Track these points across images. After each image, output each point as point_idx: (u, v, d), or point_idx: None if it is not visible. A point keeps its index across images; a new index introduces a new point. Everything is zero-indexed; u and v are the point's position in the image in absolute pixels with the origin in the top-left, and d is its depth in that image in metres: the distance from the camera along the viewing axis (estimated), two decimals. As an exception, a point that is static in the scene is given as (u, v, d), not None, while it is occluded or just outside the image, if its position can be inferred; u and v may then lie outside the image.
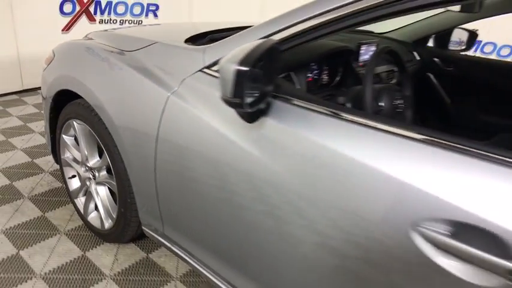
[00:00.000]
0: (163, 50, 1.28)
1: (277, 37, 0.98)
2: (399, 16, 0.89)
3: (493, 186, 0.67)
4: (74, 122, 1.62)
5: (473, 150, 0.70)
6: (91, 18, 3.60)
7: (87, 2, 3.50)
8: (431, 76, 2.07)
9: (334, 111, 0.88)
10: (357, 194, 0.81)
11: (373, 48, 1.63)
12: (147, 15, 3.92)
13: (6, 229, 1.73)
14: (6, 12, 3.01)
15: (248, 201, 1.01)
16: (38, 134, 2.69)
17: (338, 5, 0.90)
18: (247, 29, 1.07)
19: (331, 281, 0.91)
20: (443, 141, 0.73)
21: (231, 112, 0.98)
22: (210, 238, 1.21)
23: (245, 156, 0.98)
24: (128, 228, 1.53)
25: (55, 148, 1.85)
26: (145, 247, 1.72)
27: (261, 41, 0.84)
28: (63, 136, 1.74)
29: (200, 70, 1.12)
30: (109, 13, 3.68)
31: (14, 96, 3.31)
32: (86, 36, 1.78)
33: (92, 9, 3.57)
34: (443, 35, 2.09)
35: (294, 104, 0.95)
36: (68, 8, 3.39)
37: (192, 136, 1.11)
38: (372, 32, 2.18)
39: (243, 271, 1.14)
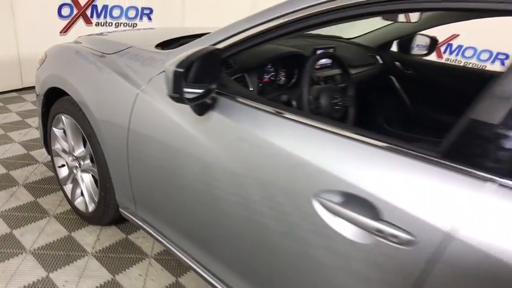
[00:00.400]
0: (136, 53, 1.48)
1: (225, 44, 1.18)
2: (325, 26, 1.08)
3: (366, 166, 0.86)
4: (62, 116, 1.82)
5: (357, 137, 0.89)
6: (88, 21, 3.81)
7: (84, 6, 3.71)
8: (393, 79, 2.26)
9: (270, 107, 1.06)
10: (279, 173, 0.99)
11: (330, 52, 1.82)
12: (141, 18, 4.13)
13: (2, 211, 1.93)
14: (7, 15, 3.23)
15: (197, 183, 1.20)
16: (35, 128, 2.89)
17: (273, 16, 1.09)
18: (202, 37, 1.26)
19: (262, 252, 1.09)
20: (338, 131, 0.92)
21: (186, 106, 1.17)
22: (173, 217, 1.40)
23: (195, 143, 1.17)
24: (108, 210, 1.73)
25: (47, 140, 2.05)
26: (125, 229, 1.91)
27: (202, 47, 1.03)
28: (54, 129, 1.94)
29: (163, 71, 1.32)
30: (105, 16, 3.88)
31: (14, 94, 3.53)
32: (75, 40, 1.98)
33: (88, 12, 3.77)
34: (405, 41, 2.27)
35: (238, 101, 1.14)
36: (65, 11, 3.60)
37: (155, 127, 1.30)
38: (340, 37, 2.36)
39: (203, 247, 1.32)
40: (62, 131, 1.91)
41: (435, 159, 0.78)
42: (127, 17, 4.05)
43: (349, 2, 0.94)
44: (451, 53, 4.58)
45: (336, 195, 0.88)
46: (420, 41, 2.28)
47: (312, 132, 0.96)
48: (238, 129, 1.09)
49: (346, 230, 0.87)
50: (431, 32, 2.23)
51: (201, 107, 1.14)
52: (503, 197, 0.70)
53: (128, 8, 4.02)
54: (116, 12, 3.95)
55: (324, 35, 2.34)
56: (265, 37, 1.12)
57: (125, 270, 1.67)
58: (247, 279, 1.19)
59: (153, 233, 1.53)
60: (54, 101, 1.85)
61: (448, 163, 0.77)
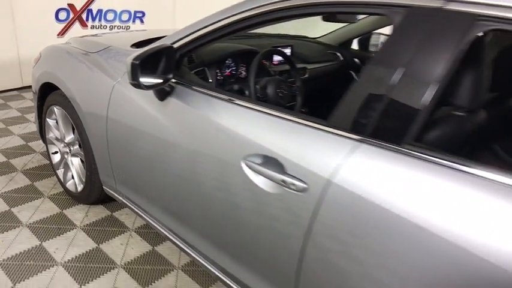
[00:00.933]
0: (113, 51, 1.74)
1: (182, 42, 1.43)
2: (261, 27, 1.33)
3: (279, 135, 1.10)
4: (55, 108, 2.07)
5: (279, 114, 1.13)
6: (83, 24, 4.08)
7: (79, 10, 3.98)
8: (353, 74, 2.50)
9: (221, 95, 1.30)
10: (221, 147, 1.24)
11: (288, 50, 2.07)
12: (134, 21, 4.40)
13: (1, 193, 2.19)
14: (8, 19, 3.50)
15: (161, 160, 1.45)
16: (33, 123, 3.16)
17: (220, 18, 1.33)
18: (165, 37, 1.51)
19: (210, 212, 1.34)
20: (270, 111, 1.16)
21: (151, 93, 1.42)
22: (145, 190, 1.64)
23: (157, 124, 1.42)
24: (93, 188, 1.98)
25: (42, 130, 2.31)
26: (110, 208, 2.17)
27: (158, 44, 1.28)
28: (47, 119, 2.19)
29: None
30: (99, 19, 4.15)
31: (15, 92, 3.80)
32: (67, 41, 2.24)
33: (84, 16, 4.05)
34: (364, 39, 2.51)
35: (194, 89, 1.39)
36: (62, 15, 3.87)
37: (127, 112, 1.55)
38: (306, 37, 2.61)
39: (171, 216, 1.56)
40: (54, 121, 2.17)
41: (324, 127, 1.03)
42: (120, 20, 4.32)
43: (273, 7, 1.19)
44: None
45: (257, 158, 1.12)
46: (376, 40, 2.53)
47: (251, 113, 1.20)
48: (192, 112, 1.34)
49: (263, 183, 1.11)
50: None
51: (161, 94, 1.39)
52: (371, 154, 0.94)
53: (121, 12, 4.29)
54: (110, 16, 4.22)
55: (292, 35, 2.60)
56: (214, 35, 1.37)
57: (108, 241, 1.92)
58: (205, 238, 1.43)
59: (130, 205, 1.78)
60: (47, 95, 2.12)
61: (333, 130, 1.01)
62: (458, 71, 0.94)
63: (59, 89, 1.97)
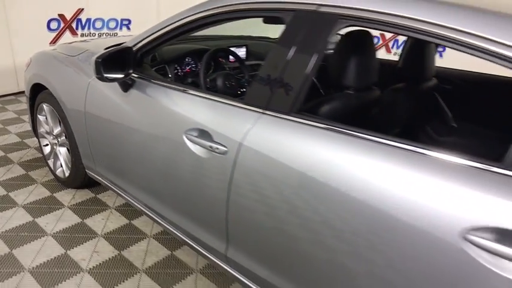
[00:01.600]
0: (90, 54, 2.06)
1: (141, 43, 1.75)
2: (203, 29, 1.65)
3: (213, 114, 1.42)
4: (44, 105, 2.40)
5: (215, 98, 1.45)
6: (73, 33, 4.42)
7: (69, 20, 4.32)
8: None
9: (176, 86, 1.62)
10: (170, 124, 1.55)
11: (243, 49, 2.39)
12: (121, 28, 4.74)
13: (0, 181, 2.52)
14: (3, 30, 3.84)
15: (127, 143, 1.76)
16: (28, 123, 3.48)
17: (170, 22, 1.65)
18: (129, 40, 1.84)
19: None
20: (211, 97, 1.48)
21: (117, 86, 1.75)
22: (119, 169, 1.96)
23: (122, 112, 1.74)
24: (78, 172, 2.30)
25: (34, 126, 2.63)
26: (94, 191, 2.49)
27: (120, 46, 1.61)
28: (38, 116, 2.52)
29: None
30: (88, 28, 4.49)
31: (12, 97, 4.14)
32: (54, 48, 2.57)
33: (74, 25, 4.39)
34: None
35: (152, 82, 1.71)
36: (54, 25, 4.21)
37: (99, 103, 1.88)
38: (269, 38, 2.94)
39: (140, 189, 1.87)
40: (44, 117, 2.49)
41: (241, 104, 1.35)
42: (108, 28, 4.66)
43: (215, 11, 1.50)
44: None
45: (194, 131, 1.44)
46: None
47: (197, 99, 1.51)
48: (149, 100, 1.67)
49: (199, 150, 1.43)
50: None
51: (125, 86, 1.71)
52: (269, 122, 1.26)
53: (109, 20, 4.62)
54: (98, 24, 4.56)
55: (255, 36, 2.92)
56: (167, 36, 1.69)
57: (91, 216, 2.24)
58: (166, 203, 1.75)
59: (108, 184, 2.10)
60: (38, 94, 2.44)
61: (245, 106, 1.33)
62: (332, 57, 1.26)
63: (47, 88, 2.30)
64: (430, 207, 0.93)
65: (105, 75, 1.57)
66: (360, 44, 1.42)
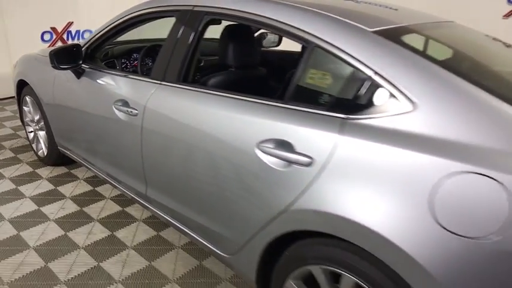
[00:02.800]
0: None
1: (90, 41, 2.28)
2: (136, 27, 2.17)
3: (141, 94, 1.94)
4: (27, 97, 2.95)
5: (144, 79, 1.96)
6: (64, 43, 5.02)
7: (61, 32, 4.93)
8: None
9: (118, 72, 2.14)
10: (105, 100, 2.07)
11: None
12: (107, 38, 5.32)
13: (-7, 161, 3.08)
14: (2, 40, 4.47)
15: (82, 119, 2.28)
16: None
17: (111, 23, 2.19)
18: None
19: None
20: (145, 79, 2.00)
21: (73, 75, 2.28)
22: (78, 142, 2.48)
23: (76, 95, 2.27)
24: (53, 150, 2.83)
25: (22, 116, 3.19)
26: (69, 167, 3.02)
27: (70, 43, 2.14)
28: (24, 107, 3.07)
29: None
30: (78, 38, 5.09)
31: (10, 99, 4.74)
32: (37, 52, 3.13)
33: (65, 36, 4.99)
34: (259, 38, 3.34)
35: (99, 71, 2.23)
36: (47, 36, 4.82)
37: (62, 89, 2.42)
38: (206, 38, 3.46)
39: (93, 153, 2.38)
40: (28, 108, 3.04)
41: (149, 79, 1.86)
42: (96, 38, 5.25)
43: (143, 12, 2.03)
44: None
45: (119, 102, 1.95)
46: (271, 38, 3.36)
47: (124, 80, 2.02)
48: (94, 84, 2.19)
49: (121, 115, 1.93)
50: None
51: (77, 74, 2.25)
52: (163, 90, 1.76)
53: (96, 31, 5.22)
54: (87, 35, 5.16)
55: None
56: (108, 34, 2.22)
57: (63, 185, 2.76)
58: (113, 166, 2.25)
59: (71, 154, 2.62)
60: (22, 89, 3.00)
61: (152, 80, 1.83)
62: (219, 44, 1.77)
63: (29, 83, 2.85)
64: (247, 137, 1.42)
65: (58, 64, 2.11)
66: (235, 34, 1.92)
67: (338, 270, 1.21)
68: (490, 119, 1.05)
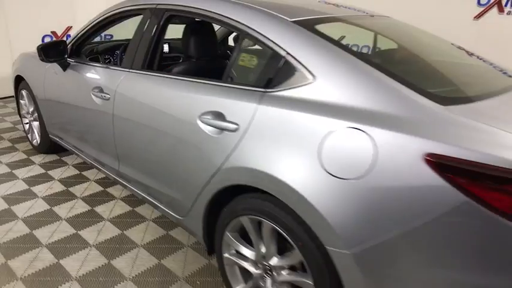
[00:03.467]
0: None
1: (75, 38, 2.58)
2: (113, 26, 2.46)
3: (112, 81, 2.22)
4: (23, 91, 3.26)
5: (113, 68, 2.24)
6: (64, 46, 5.36)
7: (61, 35, 5.27)
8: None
9: (99, 65, 2.43)
10: (86, 87, 2.35)
11: (166, 45, 3.21)
12: (105, 41, 5.66)
13: (-8, 150, 3.38)
14: (6, 44, 4.80)
15: (68, 107, 2.57)
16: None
17: (91, 21, 2.48)
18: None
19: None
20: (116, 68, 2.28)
21: (60, 68, 2.57)
22: (63, 127, 2.76)
23: (63, 85, 2.56)
24: (45, 138, 3.12)
25: (19, 109, 3.49)
26: (60, 155, 3.30)
27: (57, 39, 2.43)
28: (20, 101, 3.38)
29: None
30: (77, 42, 5.43)
31: (13, 98, 5.06)
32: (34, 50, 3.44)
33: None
34: (236, 37, 3.60)
35: (83, 64, 2.52)
36: (47, 40, 5.16)
37: (51, 82, 2.71)
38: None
39: (75, 137, 2.66)
40: (24, 101, 3.34)
41: (119, 68, 2.13)
42: (94, 42, 5.59)
43: (118, 11, 2.32)
44: None
45: (96, 88, 2.22)
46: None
47: (101, 70, 2.30)
48: (76, 74, 2.47)
49: (97, 100, 2.21)
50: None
51: (64, 66, 2.53)
52: (129, 75, 2.03)
53: (94, 35, 5.56)
54: (85, 39, 5.50)
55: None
56: (88, 32, 2.52)
57: (54, 170, 3.04)
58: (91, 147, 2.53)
59: (59, 140, 2.90)
60: (19, 84, 3.31)
61: (122, 69, 2.11)
62: (182, 39, 2.04)
63: (24, 79, 3.16)
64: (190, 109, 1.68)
65: (45, 58, 2.40)
66: (195, 30, 2.19)
67: (259, 218, 1.46)
68: (370, 86, 1.29)
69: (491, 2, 4.23)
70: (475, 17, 4.40)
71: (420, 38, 2.04)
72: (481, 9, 4.34)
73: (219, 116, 1.55)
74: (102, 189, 2.77)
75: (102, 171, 2.49)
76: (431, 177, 1.05)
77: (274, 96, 1.44)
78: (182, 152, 1.73)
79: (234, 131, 1.49)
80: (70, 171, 3.02)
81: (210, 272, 1.99)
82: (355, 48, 1.64)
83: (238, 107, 1.50)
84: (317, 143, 1.26)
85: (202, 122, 1.60)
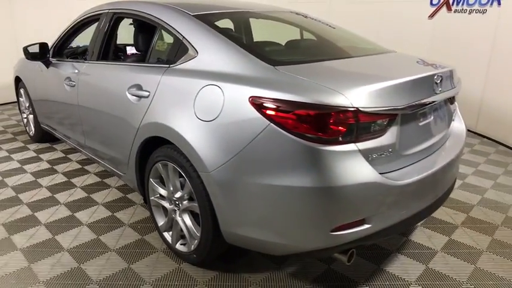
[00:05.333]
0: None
1: (57, 40, 3.16)
2: (86, 28, 3.04)
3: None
4: (21, 90, 3.88)
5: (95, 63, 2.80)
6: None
7: (63, 47, 5.96)
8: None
9: (75, 61, 2.99)
10: (62, 81, 2.91)
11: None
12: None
13: (-3, 140, 4.00)
14: (13, 49, 5.51)
15: (54, 100, 3.14)
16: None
17: (70, 23, 3.06)
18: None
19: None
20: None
21: (44, 66, 3.15)
22: (49, 115, 3.33)
23: (47, 81, 3.14)
24: (38, 128, 3.71)
25: (19, 106, 4.11)
26: (52, 144, 3.88)
27: (40, 41, 3.02)
28: (20, 98, 4.00)
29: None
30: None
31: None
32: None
33: (67, 50, 6.02)
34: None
35: (60, 61, 3.09)
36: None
37: (40, 79, 3.29)
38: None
39: (55, 121, 3.22)
40: (22, 98, 3.95)
41: (85, 61, 2.68)
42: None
43: (93, 14, 2.89)
44: None
45: (67, 79, 2.78)
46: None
47: (73, 63, 2.85)
48: (55, 70, 3.04)
49: (67, 87, 2.76)
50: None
51: (47, 64, 3.11)
52: (90, 65, 2.57)
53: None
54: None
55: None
56: (67, 34, 3.09)
57: (43, 154, 3.61)
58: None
59: (49, 129, 3.47)
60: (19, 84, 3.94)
61: (85, 60, 2.66)
62: (113, 33, 2.58)
63: (21, 79, 3.78)
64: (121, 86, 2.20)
65: (30, 57, 2.99)
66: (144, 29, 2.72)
67: (165, 162, 1.94)
68: (228, 56, 1.76)
69: (440, 1, 4.62)
70: (429, 16, 4.80)
71: (293, 22, 2.60)
72: (434, 8, 4.73)
73: (139, 87, 2.06)
74: (80, 166, 3.31)
75: (80, 152, 3.02)
76: (253, 113, 1.52)
77: (173, 69, 1.93)
78: (118, 119, 2.24)
79: (147, 97, 1.99)
80: (57, 155, 3.59)
81: (125, 202, 2.51)
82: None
83: (150, 79, 2.01)
84: (193, 98, 1.74)
85: (129, 93, 2.11)
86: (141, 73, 2.10)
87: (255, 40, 2.80)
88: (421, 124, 1.75)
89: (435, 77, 1.71)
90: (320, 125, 1.41)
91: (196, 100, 1.72)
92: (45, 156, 3.56)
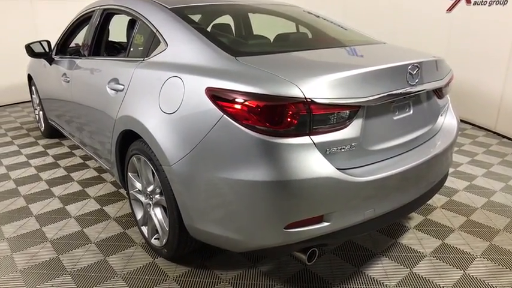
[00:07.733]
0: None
1: (60, 38, 3.25)
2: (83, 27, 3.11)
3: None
4: (33, 87, 4.03)
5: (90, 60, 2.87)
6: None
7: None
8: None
9: (76, 58, 3.08)
10: (60, 77, 2.99)
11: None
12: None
13: (6, 129, 4.17)
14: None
15: (55, 94, 3.24)
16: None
17: (70, 22, 3.14)
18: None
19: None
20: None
21: (47, 63, 3.26)
22: (54, 111, 3.43)
23: (51, 77, 3.24)
24: (46, 124, 3.84)
25: (32, 102, 4.28)
26: (60, 140, 4.00)
27: (43, 39, 3.12)
28: (32, 95, 4.16)
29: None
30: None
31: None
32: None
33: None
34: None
35: (61, 58, 3.18)
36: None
37: (45, 76, 3.41)
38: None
39: (61, 120, 3.32)
40: (34, 96, 4.11)
41: (81, 57, 2.74)
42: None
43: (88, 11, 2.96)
44: None
45: (64, 76, 2.85)
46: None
47: (70, 60, 2.94)
48: (58, 67, 3.13)
49: (64, 83, 2.83)
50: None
51: (50, 61, 3.21)
52: (82, 60, 2.63)
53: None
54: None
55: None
56: (67, 32, 3.18)
57: (50, 149, 3.73)
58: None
59: (56, 125, 3.58)
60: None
61: (81, 57, 2.71)
62: (104, 29, 2.62)
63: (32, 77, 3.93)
64: (102, 79, 2.22)
65: (32, 54, 3.10)
66: (128, 24, 2.74)
67: (138, 155, 1.93)
68: (193, 49, 1.72)
69: (459, -6, 4.38)
70: (447, 10, 4.55)
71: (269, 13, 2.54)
72: (452, 1, 4.48)
73: (116, 80, 2.07)
74: (82, 161, 3.39)
75: (83, 149, 3.09)
76: (208, 104, 1.47)
77: (145, 62, 1.92)
78: (100, 113, 2.27)
79: (122, 90, 1.99)
80: (63, 150, 3.70)
81: (116, 195, 2.40)
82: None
83: (126, 73, 2.01)
84: (158, 91, 1.72)
85: (108, 87, 2.13)
86: (118, 67, 2.12)
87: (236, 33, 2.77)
88: (396, 118, 1.64)
89: (409, 67, 1.58)
90: (270, 116, 1.34)
91: (161, 92, 1.70)
92: (52, 151, 3.68)
